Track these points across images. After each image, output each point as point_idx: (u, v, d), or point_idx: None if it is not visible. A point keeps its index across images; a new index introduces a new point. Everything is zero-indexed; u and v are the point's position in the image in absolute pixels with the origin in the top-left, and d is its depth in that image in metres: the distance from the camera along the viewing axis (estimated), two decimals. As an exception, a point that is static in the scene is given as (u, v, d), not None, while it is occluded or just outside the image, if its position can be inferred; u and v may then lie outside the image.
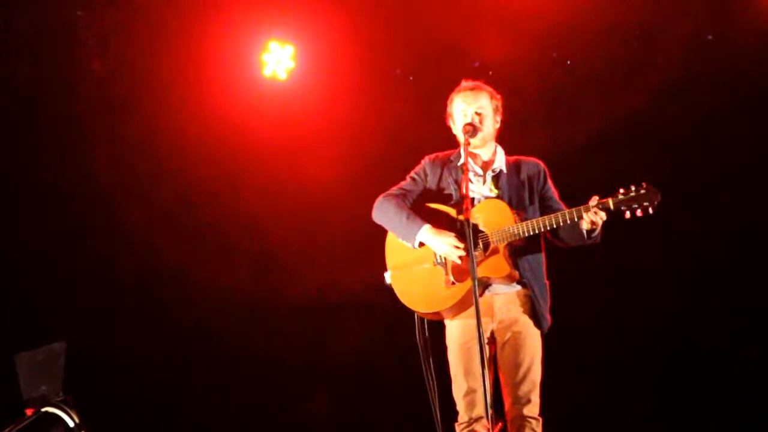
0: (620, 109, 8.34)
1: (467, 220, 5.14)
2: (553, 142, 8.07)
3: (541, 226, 5.43)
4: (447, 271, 5.58)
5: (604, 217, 5.35)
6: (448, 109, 5.91)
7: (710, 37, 8.47)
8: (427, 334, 5.76)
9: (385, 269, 5.78)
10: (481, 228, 5.51)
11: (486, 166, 5.79)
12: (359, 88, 8.64)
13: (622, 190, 5.31)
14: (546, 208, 5.66)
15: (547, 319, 5.67)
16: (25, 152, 8.37)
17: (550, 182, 5.83)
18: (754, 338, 8.31)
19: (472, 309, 5.04)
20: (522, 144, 6.14)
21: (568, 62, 8.72)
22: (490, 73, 8.41)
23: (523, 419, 5.54)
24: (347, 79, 8.69)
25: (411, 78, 8.89)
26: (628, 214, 5.30)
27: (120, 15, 8.39)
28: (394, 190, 5.85)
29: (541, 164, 5.87)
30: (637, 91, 8.34)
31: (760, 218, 8.26)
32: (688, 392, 8.31)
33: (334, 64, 8.71)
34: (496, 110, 5.83)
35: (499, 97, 5.88)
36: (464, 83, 5.90)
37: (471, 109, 5.75)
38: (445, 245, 5.51)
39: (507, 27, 8.35)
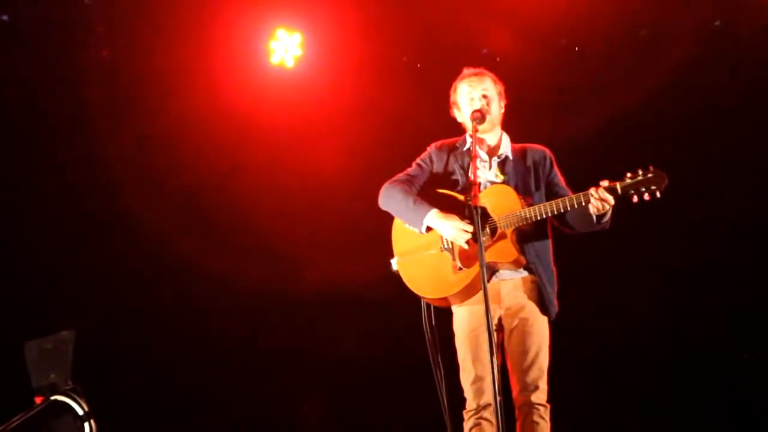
0: (628, 97, 8.34)
1: (475, 206, 5.13)
2: (562, 129, 8.06)
3: (549, 210, 5.42)
4: (454, 257, 5.57)
5: (613, 202, 5.32)
6: (452, 98, 5.91)
7: (718, 23, 8.46)
8: (434, 322, 5.76)
9: (392, 256, 5.79)
10: (488, 213, 5.50)
11: (492, 151, 5.79)
12: (367, 75, 8.64)
13: (629, 174, 5.29)
14: (552, 194, 5.65)
15: (555, 305, 5.65)
16: (33, 143, 8.38)
17: (556, 169, 5.82)
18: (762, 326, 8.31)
19: (480, 295, 5.02)
20: (529, 131, 6.13)
21: (576, 49, 8.71)
22: (498, 59, 8.42)
23: (531, 406, 5.54)
24: (355, 66, 8.69)
25: (419, 65, 8.89)
26: (635, 198, 5.28)
27: (128, 3, 8.38)
28: (400, 176, 5.84)
29: (547, 151, 5.87)
30: (645, 77, 8.34)
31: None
32: (695, 379, 8.32)
33: (341, 51, 8.71)
34: (500, 95, 5.85)
35: (501, 82, 5.88)
36: (466, 70, 5.90)
37: (477, 93, 5.75)
38: (453, 229, 5.50)
39: (515, 14, 8.34)
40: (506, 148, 5.80)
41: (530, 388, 5.55)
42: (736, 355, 8.30)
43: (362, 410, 8.50)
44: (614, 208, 5.39)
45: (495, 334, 5.48)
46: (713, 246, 8.33)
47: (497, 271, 5.58)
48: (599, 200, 5.31)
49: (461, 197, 5.65)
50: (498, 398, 5.01)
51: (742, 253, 8.31)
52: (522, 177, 5.70)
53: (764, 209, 8.23)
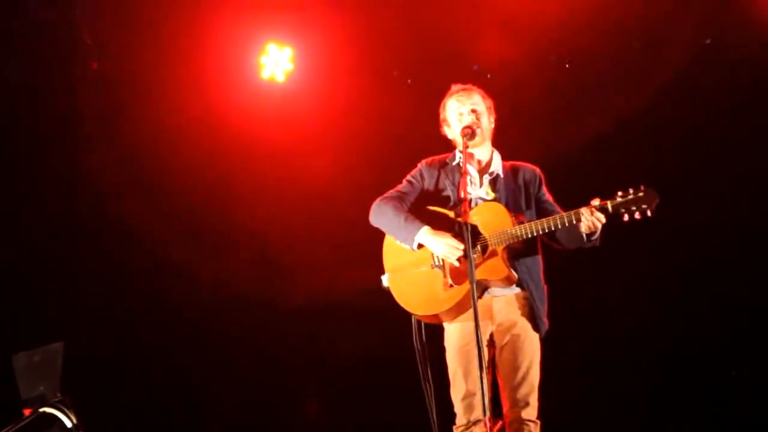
0: (620, 112, 8.36)
1: (465, 222, 5.14)
2: (553, 145, 8.09)
3: (540, 228, 5.43)
4: (445, 274, 5.58)
5: (603, 220, 5.34)
6: (441, 115, 5.93)
7: (708, 41, 8.50)
8: (424, 337, 5.76)
9: (383, 272, 5.79)
10: (479, 230, 5.51)
11: (483, 169, 5.80)
12: (358, 90, 8.65)
13: (620, 193, 5.31)
14: (542, 212, 5.67)
15: (545, 323, 5.66)
16: (25, 153, 8.38)
17: (545, 188, 5.84)
18: (752, 341, 8.33)
19: (471, 311, 5.02)
20: (521, 146, 6.16)
21: (567, 65, 8.74)
22: (489, 75, 8.45)
23: (522, 422, 5.54)
24: (346, 81, 8.70)
25: (409, 81, 8.90)
26: (626, 217, 5.30)
27: (118, 15, 8.38)
28: (391, 193, 5.85)
29: (537, 170, 5.89)
30: (636, 94, 8.36)
31: (759, 220, 8.28)
32: (684, 396, 8.33)
33: (332, 66, 8.72)
34: (489, 110, 5.86)
35: (490, 98, 5.89)
36: (454, 87, 5.92)
37: (466, 108, 5.77)
38: (444, 246, 5.51)
39: (506, 29, 8.36)
40: (497, 165, 5.81)
41: (521, 405, 5.55)
42: (727, 373, 8.36)
43: (351, 422, 8.49)
44: (605, 226, 5.41)
45: (486, 349, 5.50)
46: (705, 262, 8.36)
47: (488, 288, 5.59)
48: (590, 220, 5.32)
49: (452, 214, 5.67)
50: (488, 414, 5.02)
51: (732, 272, 8.34)
52: (513, 195, 5.72)
53: (757, 218, 8.28)
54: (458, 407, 5.62)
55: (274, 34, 8.68)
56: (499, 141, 5.94)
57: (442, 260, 5.59)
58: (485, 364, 5.03)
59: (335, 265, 8.44)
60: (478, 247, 5.50)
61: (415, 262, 5.69)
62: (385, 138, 8.53)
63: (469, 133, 5.63)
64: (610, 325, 8.44)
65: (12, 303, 8.13)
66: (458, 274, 5.54)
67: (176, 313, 8.56)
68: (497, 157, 5.87)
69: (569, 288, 7.26)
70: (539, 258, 5.72)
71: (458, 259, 5.50)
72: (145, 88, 8.55)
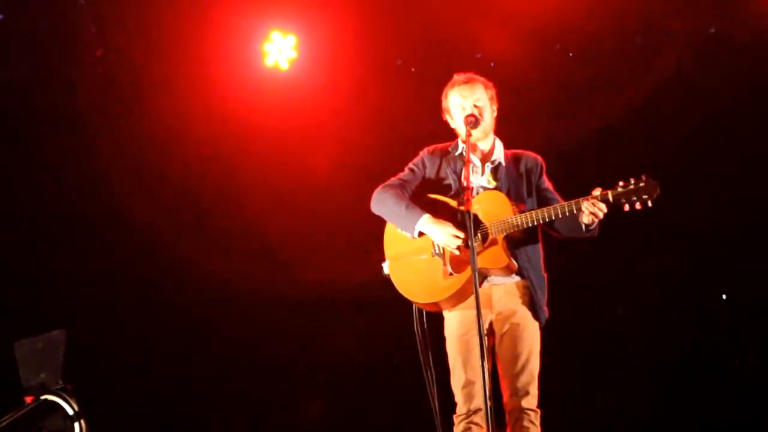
0: (622, 102, 8.35)
1: (467, 210, 5.13)
2: (555, 135, 8.07)
3: (540, 217, 5.42)
4: (445, 262, 5.57)
5: (605, 210, 5.32)
6: (444, 104, 5.89)
7: (712, 31, 8.47)
8: (425, 326, 5.76)
9: (384, 259, 5.79)
10: (480, 219, 5.50)
11: (485, 157, 5.79)
12: (361, 78, 8.64)
13: (621, 183, 5.29)
14: (542, 200, 5.66)
15: (545, 311, 5.66)
16: (27, 144, 8.38)
17: (545, 177, 5.82)
18: (754, 335, 8.33)
19: (471, 300, 5.04)
20: (523, 136, 6.14)
21: (570, 54, 8.71)
22: (492, 64, 8.44)
23: (522, 411, 5.53)
24: (349, 69, 8.69)
25: (413, 69, 8.89)
26: (627, 207, 5.28)
27: (122, 4, 8.37)
28: (392, 180, 5.84)
29: (539, 158, 5.86)
30: (639, 84, 8.35)
31: (761, 214, 8.27)
32: (685, 384, 8.33)
33: (336, 54, 8.70)
34: (492, 100, 5.81)
35: (492, 86, 5.86)
36: (456, 77, 5.87)
37: (469, 102, 5.73)
38: (445, 235, 5.51)
39: (509, 18, 8.35)
40: (499, 154, 5.80)
41: (520, 393, 5.54)
42: (729, 360, 8.37)
43: (353, 413, 8.51)
44: (604, 216, 5.39)
45: (486, 338, 5.49)
46: (705, 253, 8.37)
47: (488, 276, 5.58)
48: (592, 210, 5.30)
49: (454, 202, 5.66)
50: (489, 403, 5.02)
51: (733, 263, 8.34)
52: (515, 183, 5.70)
53: (760, 212, 8.26)
54: (458, 396, 5.62)
55: (278, 22, 8.65)
56: (501, 130, 5.92)
57: (443, 248, 5.59)
58: (485, 353, 5.03)
59: (337, 255, 8.44)
60: (479, 235, 5.49)
61: (415, 250, 5.69)
62: (388, 127, 8.53)
63: (473, 121, 5.62)
64: (610, 313, 8.45)
65: (13, 295, 8.13)
66: (458, 263, 5.54)
67: (176, 306, 8.56)
68: (499, 146, 5.85)
69: (570, 277, 7.25)
70: (539, 246, 5.70)
71: (458, 248, 5.50)
72: (149, 74, 8.54)
